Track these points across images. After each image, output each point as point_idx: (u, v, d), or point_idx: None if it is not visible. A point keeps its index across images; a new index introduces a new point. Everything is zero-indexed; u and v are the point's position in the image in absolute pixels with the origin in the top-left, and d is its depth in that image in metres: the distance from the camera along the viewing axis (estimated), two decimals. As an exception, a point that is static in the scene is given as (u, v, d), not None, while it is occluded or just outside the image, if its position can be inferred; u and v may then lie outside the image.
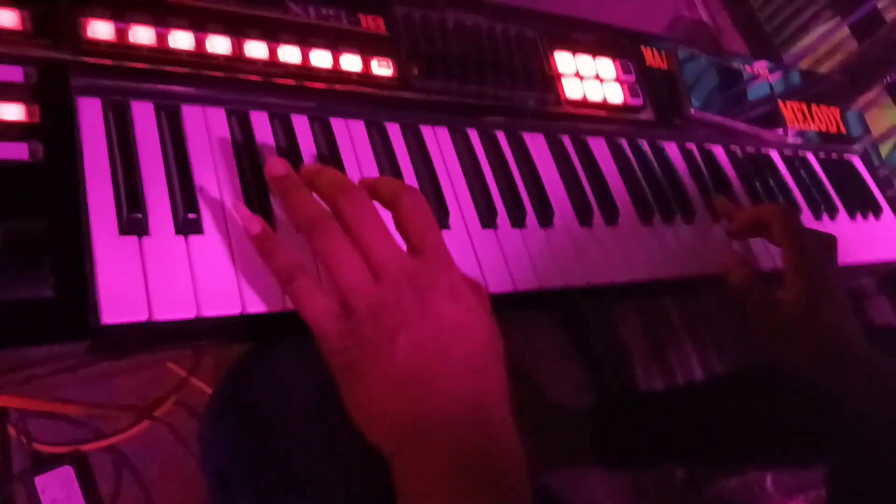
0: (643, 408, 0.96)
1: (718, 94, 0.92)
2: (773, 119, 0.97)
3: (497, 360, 0.49)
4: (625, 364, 1.13)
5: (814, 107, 1.04)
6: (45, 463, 0.74)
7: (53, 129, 0.47)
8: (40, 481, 0.67)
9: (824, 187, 0.97)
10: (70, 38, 0.50)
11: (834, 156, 1.04)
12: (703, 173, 0.84)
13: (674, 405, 0.96)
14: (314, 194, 0.49)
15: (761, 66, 0.99)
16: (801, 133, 1.00)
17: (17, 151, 0.46)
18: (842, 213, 0.96)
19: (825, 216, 0.94)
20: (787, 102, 1.00)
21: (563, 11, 1.25)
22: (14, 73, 0.47)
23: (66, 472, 0.69)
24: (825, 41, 1.30)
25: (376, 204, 0.49)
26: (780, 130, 0.96)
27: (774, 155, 0.96)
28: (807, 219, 0.92)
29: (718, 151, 0.89)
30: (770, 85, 1.00)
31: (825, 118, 1.05)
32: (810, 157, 1.00)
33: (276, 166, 0.50)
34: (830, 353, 0.69)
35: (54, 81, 0.49)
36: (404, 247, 0.49)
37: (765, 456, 0.95)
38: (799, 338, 0.70)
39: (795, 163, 0.97)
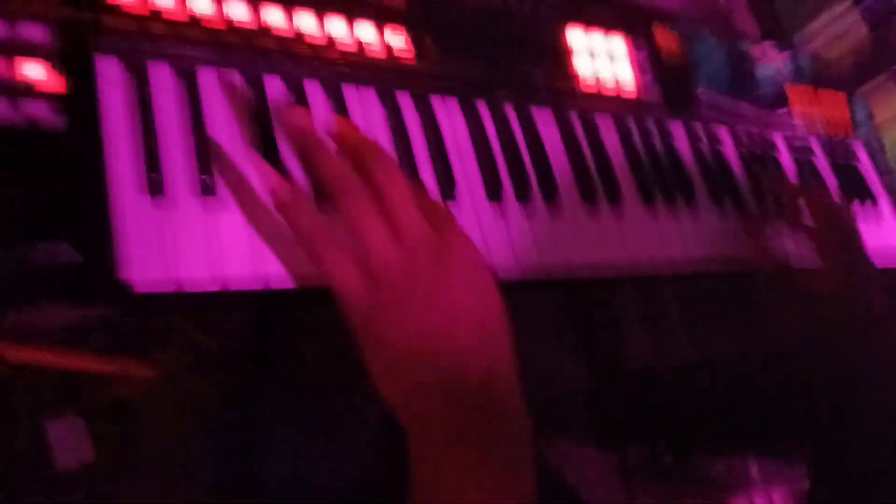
0: (635, 385, 0.98)
1: (726, 75, 0.93)
2: (778, 102, 0.98)
3: (506, 334, 0.50)
4: (618, 340, 1.15)
5: (821, 91, 1.04)
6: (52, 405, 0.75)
7: (74, 89, 0.48)
8: (52, 428, 0.69)
9: (823, 173, 0.98)
10: (92, 0, 0.51)
11: (837, 141, 1.05)
12: (707, 155, 0.85)
13: (665, 384, 0.98)
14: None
15: (770, 49, 1.00)
16: (806, 116, 1.00)
17: (39, 109, 0.47)
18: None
19: (825, 201, 0.95)
20: (794, 86, 1.00)
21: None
22: (36, 32, 0.48)
23: (77, 424, 0.70)
24: (836, 24, 1.30)
25: None
26: (786, 113, 0.97)
27: (778, 139, 0.97)
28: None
29: (723, 133, 0.90)
30: (777, 68, 1.00)
31: (831, 103, 1.06)
32: (813, 141, 1.01)
33: (299, 116, 0.50)
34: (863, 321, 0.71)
35: (76, 42, 0.49)
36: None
37: (750, 442, 0.97)
38: (837, 307, 0.72)
39: (798, 146, 0.98)
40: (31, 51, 0.48)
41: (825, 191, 0.85)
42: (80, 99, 0.48)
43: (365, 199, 0.47)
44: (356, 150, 0.49)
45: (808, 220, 0.77)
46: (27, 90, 0.47)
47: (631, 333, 1.14)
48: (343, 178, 0.48)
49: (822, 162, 0.99)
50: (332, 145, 0.50)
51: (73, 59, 0.49)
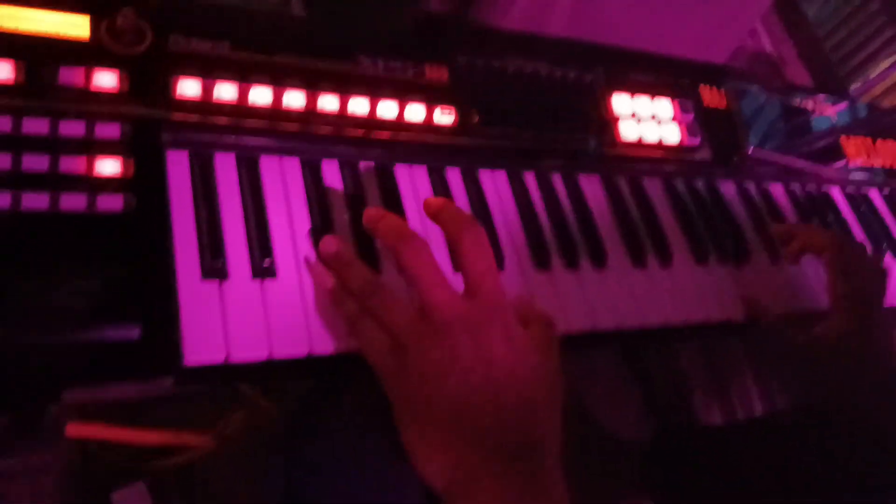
0: (700, 441, 0.97)
1: (778, 130, 0.93)
2: (834, 155, 0.97)
3: (552, 404, 0.51)
4: (683, 395, 1.13)
5: (878, 141, 1.03)
6: (120, 478, 0.79)
7: (145, 182, 0.52)
8: (117, 496, 0.72)
9: (887, 226, 0.96)
10: (162, 97, 0.55)
11: (899, 191, 1.03)
12: (762, 213, 0.85)
13: (732, 440, 0.96)
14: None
15: (823, 101, 0.99)
16: (863, 169, 0.99)
17: (113, 203, 0.51)
18: (906, 251, 0.95)
19: (888, 254, 0.93)
20: (850, 137, 0.99)
21: (626, 43, 1.27)
22: (112, 130, 0.52)
23: (140, 488, 0.74)
24: (891, 73, 1.28)
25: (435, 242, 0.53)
26: (842, 167, 0.96)
27: (836, 192, 0.96)
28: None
29: (777, 190, 0.89)
30: (832, 120, 0.99)
31: (891, 153, 1.04)
32: (873, 193, 1.00)
33: (328, 244, 0.55)
34: (880, 380, 0.70)
35: (147, 137, 0.54)
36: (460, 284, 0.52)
37: (822, 499, 0.94)
38: (846, 369, 0.71)
39: (857, 200, 0.97)
40: (106, 148, 0.52)
41: (849, 242, 0.83)
42: (152, 190, 0.52)
43: (385, 297, 0.51)
44: (385, 235, 0.53)
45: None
46: (103, 185, 0.51)
47: (695, 383, 1.13)
48: (362, 285, 0.52)
49: (882, 214, 0.97)
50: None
51: (144, 153, 0.53)
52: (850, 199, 0.96)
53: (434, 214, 0.54)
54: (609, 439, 0.97)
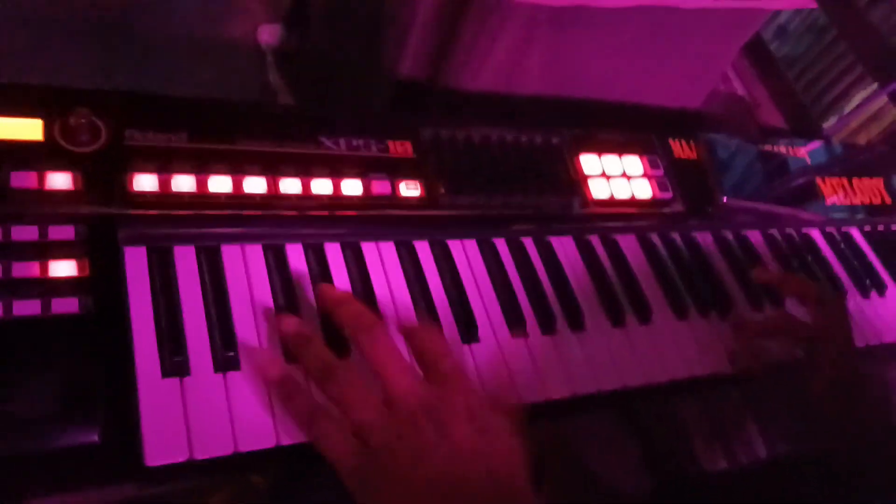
0: (702, 491, 0.95)
1: (752, 176, 0.93)
2: (810, 196, 0.97)
3: (521, 476, 0.50)
4: (683, 444, 1.11)
5: (855, 180, 1.03)
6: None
7: (102, 281, 0.52)
8: None
9: (870, 263, 0.95)
10: (117, 193, 0.55)
11: (881, 228, 1.02)
12: (741, 261, 0.84)
13: (735, 488, 0.94)
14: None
15: (796, 142, 1.00)
16: (842, 208, 0.99)
17: (69, 305, 0.50)
18: (891, 288, 0.94)
19: (873, 293, 0.92)
20: (826, 178, 0.99)
21: (600, 94, 1.28)
22: (66, 232, 0.52)
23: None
24: (864, 109, 1.30)
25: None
26: (819, 208, 0.95)
27: (815, 234, 0.95)
28: (853, 297, 0.90)
29: (755, 237, 0.89)
30: (807, 162, 1.00)
31: (868, 190, 1.04)
32: (854, 232, 0.99)
33: (286, 324, 0.54)
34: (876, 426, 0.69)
35: (103, 235, 0.53)
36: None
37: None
38: (840, 417, 0.70)
39: (838, 239, 0.96)
40: (61, 249, 0.51)
41: (829, 293, 0.83)
42: (109, 289, 0.52)
43: (346, 380, 0.50)
44: (346, 321, 0.53)
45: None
46: (58, 287, 0.50)
47: (695, 431, 1.11)
48: (323, 366, 0.52)
49: (865, 252, 0.96)
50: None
51: (101, 252, 0.53)
52: (830, 238, 0.95)
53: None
54: (608, 492, 0.94)
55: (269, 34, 1.46)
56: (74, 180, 0.54)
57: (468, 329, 0.63)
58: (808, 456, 0.94)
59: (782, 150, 0.98)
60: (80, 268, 0.51)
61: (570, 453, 0.97)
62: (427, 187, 0.68)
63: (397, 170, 0.67)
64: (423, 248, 0.67)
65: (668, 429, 1.11)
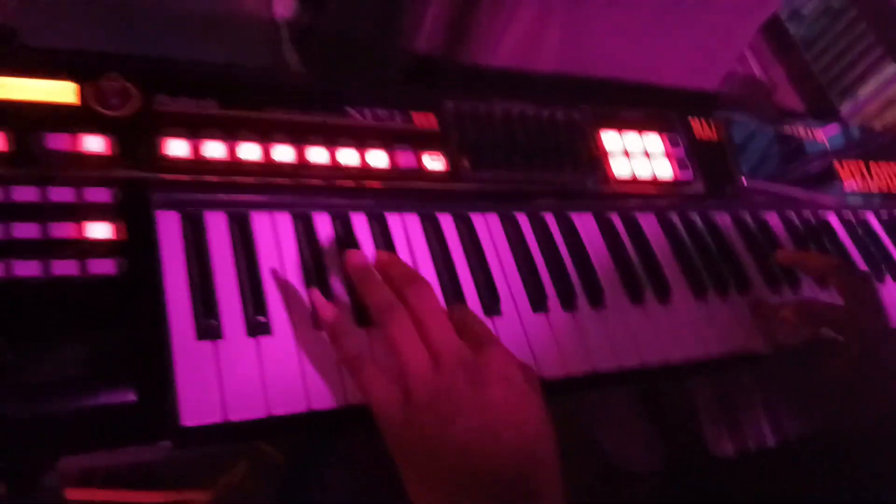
0: (713, 472, 0.96)
1: (770, 158, 0.93)
2: (828, 180, 0.97)
3: (549, 443, 0.51)
4: (694, 426, 1.12)
5: (872, 164, 1.03)
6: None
7: (136, 244, 0.52)
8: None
9: (886, 248, 0.95)
10: (150, 158, 0.55)
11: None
12: (759, 242, 0.85)
13: (744, 470, 0.95)
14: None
15: (814, 125, 1.00)
16: (859, 193, 0.99)
17: (105, 267, 0.50)
18: (906, 273, 0.94)
19: (888, 277, 0.93)
20: (844, 162, 0.99)
21: (616, 74, 1.28)
22: (102, 195, 0.53)
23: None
24: (885, 91, 1.29)
25: None
26: (837, 192, 0.96)
27: (832, 218, 0.95)
28: (868, 282, 0.91)
29: (773, 219, 0.89)
30: (825, 146, 1.00)
31: (885, 176, 1.04)
32: (870, 217, 0.99)
33: (355, 257, 0.57)
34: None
35: (137, 199, 0.54)
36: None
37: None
38: (862, 397, 0.70)
39: (854, 224, 0.96)
40: (96, 212, 0.52)
41: (852, 266, 0.83)
42: (143, 252, 0.52)
43: (405, 322, 0.52)
44: (395, 279, 0.55)
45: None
46: (95, 249, 0.51)
47: (706, 414, 1.11)
48: (388, 303, 0.53)
49: (881, 238, 0.97)
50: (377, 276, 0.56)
51: (135, 215, 0.53)
52: (847, 224, 0.96)
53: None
54: (620, 471, 0.96)
55: (283, 7, 1.45)
56: (108, 144, 0.54)
57: (491, 302, 0.64)
58: (820, 440, 0.95)
59: (800, 132, 0.98)
60: (115, 230, 0.52)
61: (584, 428, 0.99)
62: (451, 160, 0.68)
63: (421, 142, 0.67)
64: (446, 221, 0.67)
65: (681, 410, 1.12)
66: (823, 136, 1.01)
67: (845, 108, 1.29)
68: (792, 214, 0.92)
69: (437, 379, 0.50)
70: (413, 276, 0.55)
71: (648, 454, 1.05)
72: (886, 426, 0.72)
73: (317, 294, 0.56)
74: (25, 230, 0.49)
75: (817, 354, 0.73)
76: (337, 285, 0.59)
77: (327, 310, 0.55)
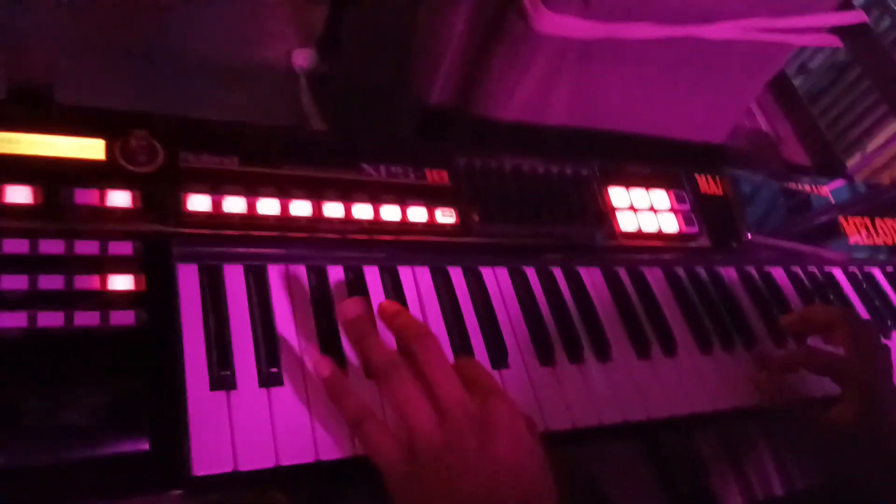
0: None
1: (776, 214, 0.94)
2: (833, 235, 0.98)
3: (551, 497, 0.52)
4: (699, 474, 1.12)
5: (878, 220, 1.04)
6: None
7: (157, 296, 0.54)
8: None
9: (891, 302, 0.96)
10: (173, 212, 0.58)
11: (903, 269, 1.04)
12: (764, 297, 0.86)
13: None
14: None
15: (820, 182, 1.01)
16: (865, 248, 1.00)
17: (126, 318, 0.52)
18: (912, 329, 0.95)
19: (893, 333, 0.93)
20: (850, 218, 1.01)
21: (625, 127, 1.30)
22: (125, 248, 0.55)
23: None
24: (891, 145, 1.31)
25: None
26: (842, 247, 0.97)
27: (838, 273, 0.96)
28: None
29: (779, 273, 0.90)
30: (829, 201, 1.01)
31: (891, 231, 1.05)
32: (876, 272, 1.00)
33: (349, 308, 0.57)
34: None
35: (158, 252, 0.56)
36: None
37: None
38: (867, 451, 0.71)
39: (860, 279, 0.97)
40: (119, 264, 0.54)
41: (856, 316, 0.83)
42: (163, 304, 0.54)
43: (407, 379, 0.52)
44: (400, 330, 0.56)
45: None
46: (116, 300, 0.52)
47: (711, 461, 1.11)
48: (387, 360, 0.54)
49: (887, 293, 0.98)
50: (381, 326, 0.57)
51: (156, 268, 0.55)
52: (853, 278, 0.97)
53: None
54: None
55: (302, 58, 1.49)
56: (133, 199, 0.56)
57: (499, 355, 0.65)
58: (826, 490, 0.95)
59: (806, 187, 1.00)
60: (136, 282, 0.54)
61: (586, 477, 0.98)
62: (461, 215, 0.70)
63: (433, 197, 0.69)
64: (456, 274, 0.69)
65: (686, 460, 1.12)
66: (828, 191, 1.02)
67: (852, 162, 1.31)
68: (798, 269, 0.93)
69: (443, 434, 0.50)
70: (419, 329, 0.56)
71: (652, 502, 1.05)
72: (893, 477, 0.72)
73: (314, 351, 0.57)
74: (51, 282, 0.51)
75: (820, 405, 0.73)
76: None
77: (325, 369, 0.55)
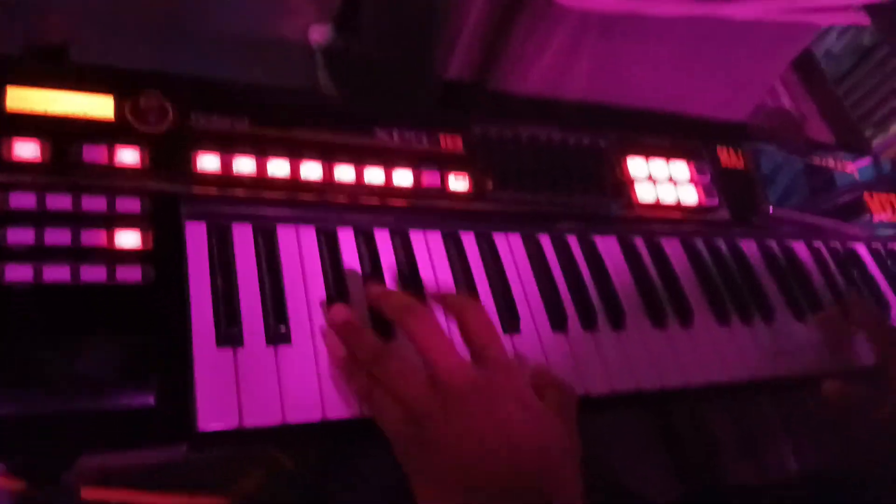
0: (731, 500, 0.94)
1: (800, 190, 0.92)
2: (857, 211, 0.96)
3: (570, 462, 0.51)
4: (712, 453, 1.11)
5: (904, 197, 1.02)
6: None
7: (164, 253, 0.54)
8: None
9: (916, 280, 0.94)
10: (182, 172, 0.57)
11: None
12: (784, 271, 0.84)
13: (764, 498, 0.93)
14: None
15: (844, 158, 0.99)
16: (889, 224, 0.98)
17: (132, 274, 0.52)
18: (936, 307, 0.93)
19: (919, 311, 0.91)
20: (875, 195, 0.98)
21: (646, 104, 1.28)
22: (132, 205, 0.54)
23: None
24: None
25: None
26: (866, 223, 0.94)
27: (861, 249, 0.94)
28: (897, 315, 0.89)
29: (800, 248, 0.89)
30: (854, 177, 0.99)
31: (917, 209, 1.03)
32: (900, 249, 0.98)
33: (336, 313, 0.56)
34: None
35: (166, 210, 0.55)
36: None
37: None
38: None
39: (884, 255, 0.95)
40: (126, 221, 0.54)
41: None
42: (170, 261, 0.54)
43: (394, 363, 0.52)
44: (391, 308, 0.56)
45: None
46: (123, 257, 0.52)
47: (724, 441, 1.10)
48: (372, 353, 0.54)
49: (912, 269, 0.95)
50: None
51: (164, 225, 0.55)
52: (876, 255, 0.94)
53: (440, 301, 0.58)
54: (635, 500, 0.94)
55: (319, 34, 1.49)
56: (142, 157, 0.56)
57: (510, 319, 0.64)
58: (841, 472, 0.93)
59: (830, 164, 0.98)
60: (143, 239, 0.53)
61: (598, 455, 0.97)
62: (475, 181, 0.69)
63: (447, 163, 0.68)
64: (469, 240, 0.68)
65: (699, 438, 1.10)
66: (854, 168, 1.00)
67: (877, 142, 1.28)
68: (819, 244, 0.91)
69: (440, 397, 0.50)
70: (410, 305, 0.55)
71: (664, 482, 1.03)
72: None
73: (331, 334, 0.57)
74: (57, 236, 0.51)
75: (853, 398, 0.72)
76: (357, 297, 0.60)
77: (339, 313, 0.56)
